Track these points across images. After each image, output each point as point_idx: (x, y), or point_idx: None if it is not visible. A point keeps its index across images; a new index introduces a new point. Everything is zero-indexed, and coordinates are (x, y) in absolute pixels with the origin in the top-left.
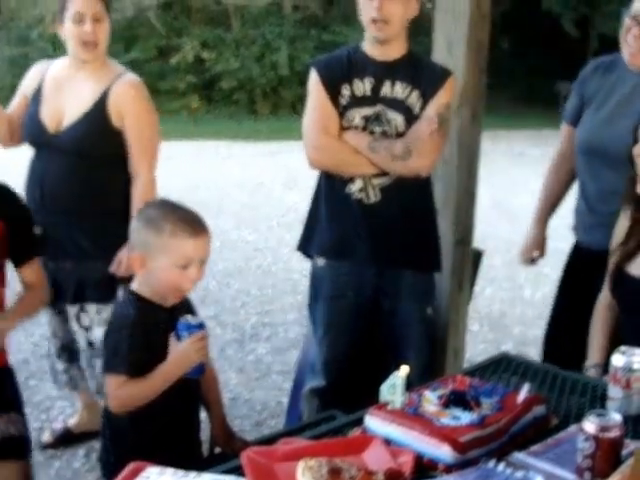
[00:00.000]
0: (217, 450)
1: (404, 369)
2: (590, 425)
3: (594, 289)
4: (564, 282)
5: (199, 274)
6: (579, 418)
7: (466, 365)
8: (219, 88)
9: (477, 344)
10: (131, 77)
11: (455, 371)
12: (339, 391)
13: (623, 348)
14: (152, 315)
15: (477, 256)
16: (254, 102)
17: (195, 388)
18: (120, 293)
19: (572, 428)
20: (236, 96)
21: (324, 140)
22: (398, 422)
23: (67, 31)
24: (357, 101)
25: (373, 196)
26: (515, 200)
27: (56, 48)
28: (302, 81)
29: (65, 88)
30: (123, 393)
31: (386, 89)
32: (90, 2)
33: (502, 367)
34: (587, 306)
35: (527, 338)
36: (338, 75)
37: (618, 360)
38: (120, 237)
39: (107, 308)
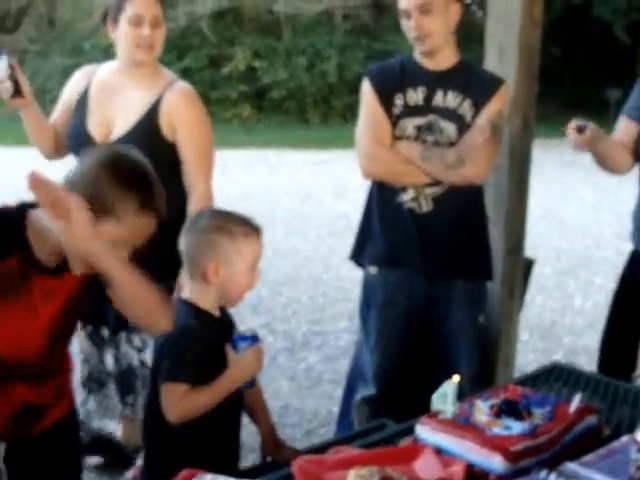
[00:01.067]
0: (268, 459)
1: (455, 378)
2: None
3: None
4: (620, 290)
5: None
6: (631, 429)
7: (516, 375)
8: (270, 97)
9: (527, 353)
10: (183, 85)
11: (505, 380)
12: (390, 400)
13: None
14: (210, 325)
15: (528, 265)
16: (305, 111)
17: (241, 399)
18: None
19: (624, 439)
20: (287, 105)
21: (377, 150)
22: (449, 431)
23: (122, 33)
24: (410, 111)
25: (425, 206)
26: (565, 209)
27: (109, 58)
28: (352, 90)
29: (113, 96)
30: (186, 403)
31: (438, 98)
32: (150, 5)
33: (553, 377)
34: None
35: (577, 347)
36: (391, 85)
37: None
38: (176, 254)
39: None
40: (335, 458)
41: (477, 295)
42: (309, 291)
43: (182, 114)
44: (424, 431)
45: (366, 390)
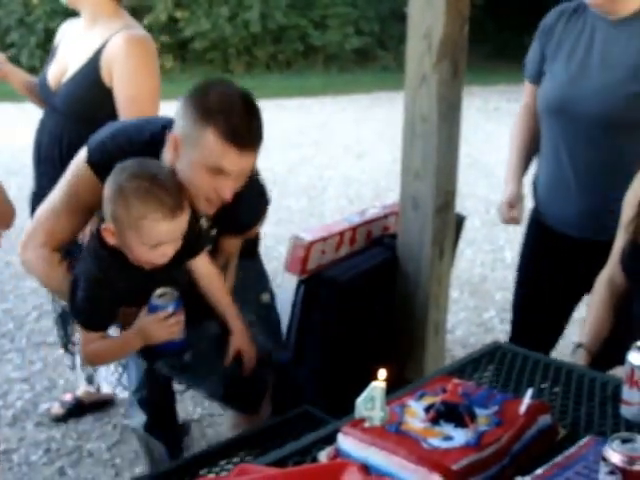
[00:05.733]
0: None
1: (382, 376)
2: (615, 455)
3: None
4: (527, 258)
5: (174, 249)
6: (590, 426)
7: (448, 338)
8: (192, 48)
9: (458, 312)
10: (133, 31)
11: (436, 347)
12: None
13: None
14: (127, 272)
15: (459, 222)
16: (228, 61)
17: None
18: (92, 242)
19: (583, 441)
20: (210, 56)
21: None
22: (378, 444)
23: None
24: None
25: None
26: (491, 158)
27: (29, 12)
28: (275, 39)
29: (72, 42)
30: (89, 349)
31: None
32: None
33: (496, 360)
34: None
35: (509, 304)
36: None
37: (636, 358)
38: None
39: None
40: None
41: (252, 273)
42: None
43: (119, 59)
44: (347, 443)
45: None
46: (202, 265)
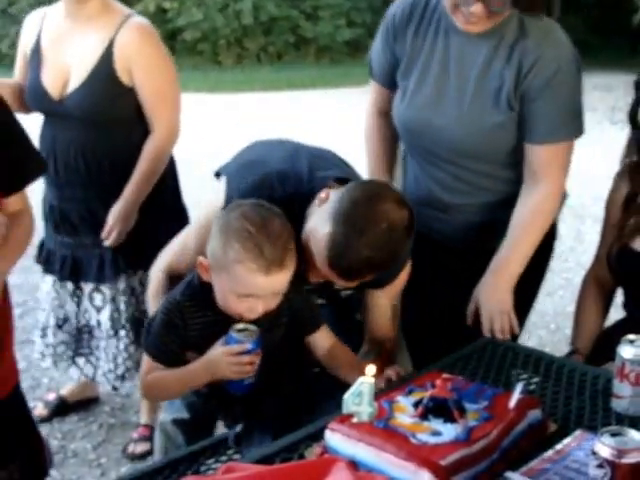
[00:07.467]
0: None
1: (370, 371)
2: (604, 448)
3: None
4: None
5: (265, 307)
6: (580, 420)
7: None
8: (182, 39)
9: None
10: (137, 21)
11: None
12: None
13: (632, 337)
14: (207, 312)
15: None
16: (218, 53)
17: None
18: (191, 274)
19: (573, 436)
20: (200, 47)
21: None
22: (366, 440)
23: None
24: None
25: None
26: None
27: (12, 2)
28: (266, 31)
29: (65, 43)
30: (149, 379)
31: None
32: None
33: (487, 355)
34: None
35: None
36: None
37: (626, 351)
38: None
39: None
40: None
41: None
42: None
43: (136, 55)
44: (335, 439)
45: None
46: (323, 340)
